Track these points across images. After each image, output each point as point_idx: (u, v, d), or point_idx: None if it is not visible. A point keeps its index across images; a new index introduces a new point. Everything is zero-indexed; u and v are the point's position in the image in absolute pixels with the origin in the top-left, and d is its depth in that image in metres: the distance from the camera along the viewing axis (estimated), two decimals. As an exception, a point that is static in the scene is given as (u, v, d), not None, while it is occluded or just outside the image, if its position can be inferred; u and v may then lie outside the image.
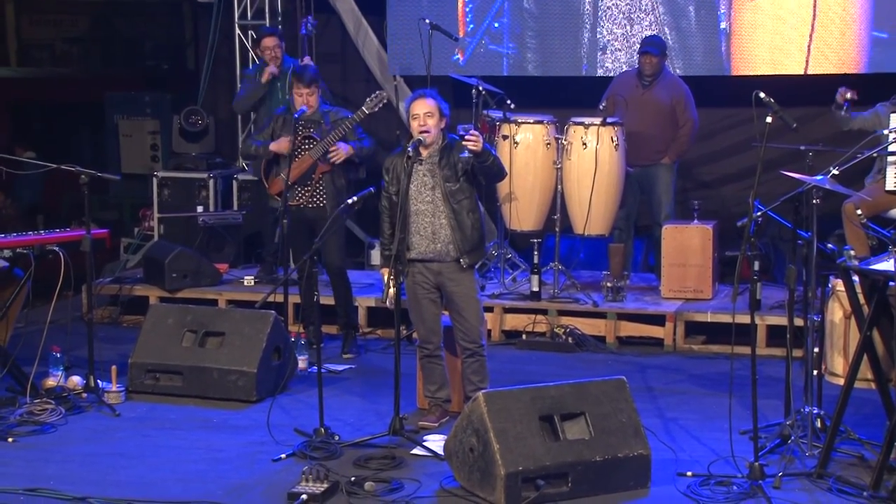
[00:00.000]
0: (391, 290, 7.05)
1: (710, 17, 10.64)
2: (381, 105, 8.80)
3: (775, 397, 7.27)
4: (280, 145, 8.85)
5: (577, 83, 11.07)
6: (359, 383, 8.40)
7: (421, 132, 7.12)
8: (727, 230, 9.80)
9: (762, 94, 6.57)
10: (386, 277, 7.18)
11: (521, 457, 6.08)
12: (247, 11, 12.06)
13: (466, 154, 7.04)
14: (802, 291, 7.08)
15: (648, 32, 10.67)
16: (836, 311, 8.13)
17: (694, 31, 10.70)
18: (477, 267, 7.42)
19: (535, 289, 9.54)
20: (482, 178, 7.23)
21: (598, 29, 10.91)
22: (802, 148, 7.68)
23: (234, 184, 11.43)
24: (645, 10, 10.79)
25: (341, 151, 8.76)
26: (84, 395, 7.84)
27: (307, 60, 10.19)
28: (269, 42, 10.22)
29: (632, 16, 10.81)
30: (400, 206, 7.05)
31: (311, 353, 8.49)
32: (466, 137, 6.97)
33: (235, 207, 11.33)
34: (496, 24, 11.18)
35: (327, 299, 9.33)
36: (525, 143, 9.75)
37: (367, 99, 8.79)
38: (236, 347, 7.96)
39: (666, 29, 10.71)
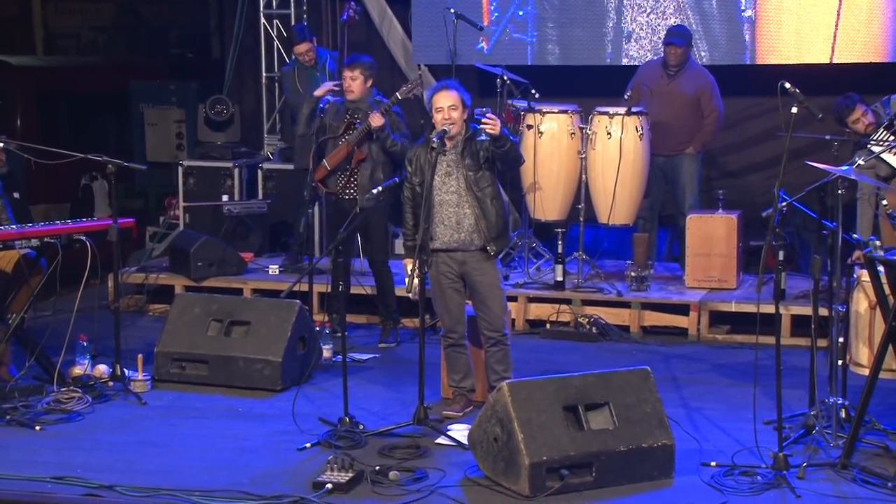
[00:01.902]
0: (415, 281, 7.07)
1: (733, 4, 10.59)
2: (415, 92, 8.81)
3: (800, 387, 7.25)
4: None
5: (602, 72, 11.05)
6: (383, 373, 8.42)
7: (445, 124, 7.14)
8: (752, 220, 9.78)
9: (788, 85, 6.55)
10: (409, 267, 7.21)
11: (545, 446, 6.10)
12: (272, 0, 12.09)
13: (484, 137, 7.06)
14: (827, 281, 7.07)
15: (672, 20, 10.64)
16: (862, 302, 8.08)
17: (717, 18, 10.65)
18: (501, 256, 7.42)
19: (560, 278, 9.54)
20: (499, 164, 7.23)
21: (623, 17, 10.89)
22: (828, 138, 7.65)
23: (260, 173, 11.46)
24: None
25: (379, 117, 8.70)
26: (110, 383, 7.89)
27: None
28: (301, 48, 10.20)
29: (656, 3, 10.78)
30: (424, 196, 7.07)
31: (336, 342, 8.52)
32: (483, 120, 6.99)
33: (260, 196, 11.36)
34: (520, 13, 11.17)
35: (358, 289, 9.37)
36: (550, 132, 9.75)
37: (403, 88, 8.81)
38: (261, 336, 7.99)
39: (689, 12, 10.67)
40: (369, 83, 8.91)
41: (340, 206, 8.96)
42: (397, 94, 8.76)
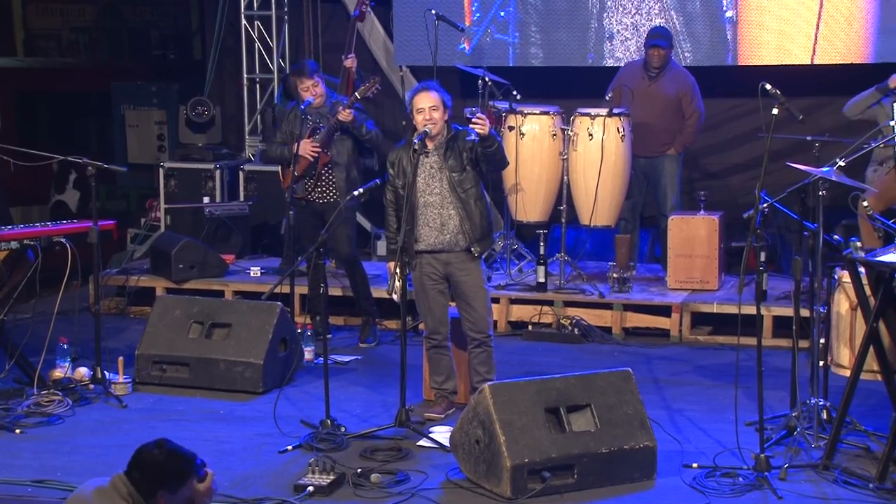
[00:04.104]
0: (397, 283, 7.06)
1: (715, 5, 10.61)
2: (374, 91, 8.78)
3: (781, 388, 7.26)
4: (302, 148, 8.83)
5: (584, 73, 11.06)
6: (365, 375, 8.41)
7: (427, 125, 7.13)
8: (733, 221, 9.78)
9: (768, 86, 6.55)
10: (392, 270, 7.19)
11: (526, 448, 6.09)
12: (253, 1, 12.09)
13: (472, 137, 7.05)
14: (809, 282, 7.08)
15: (656, 20, 10.65)
16: (843, 303, 8.12)
17: (700, 19, 10.67)
18: (484, 257, 7.43)
19: (542, 280, 9.54)
20: (484, 165, 7.23)
21: (605, 17, 10.89)
22: (809, 139, 7.67)
23: (241, 174, 11.44)
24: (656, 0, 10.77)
25: (348, 112, 8.69)
26: (91, 386, 7.86)
27: (352, 62, 10.00)
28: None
29: (639, 3, 10.79)
30: (406, 198, 7.06)
31: (318, 344, 8.50)
32: (473, 120, 6.99)
33: (242, 198, 11.33)
34: (502, 13, 11.16)
35: (337, 290, 9.34)
36: (531, 133, 9.74)
37: (361, 87, 8.79)
38: (243, 339, 7.97)
39: (672, 13, 10.69)
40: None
41: (312, 210, 8.93)
42: (356, 93, 8.74)
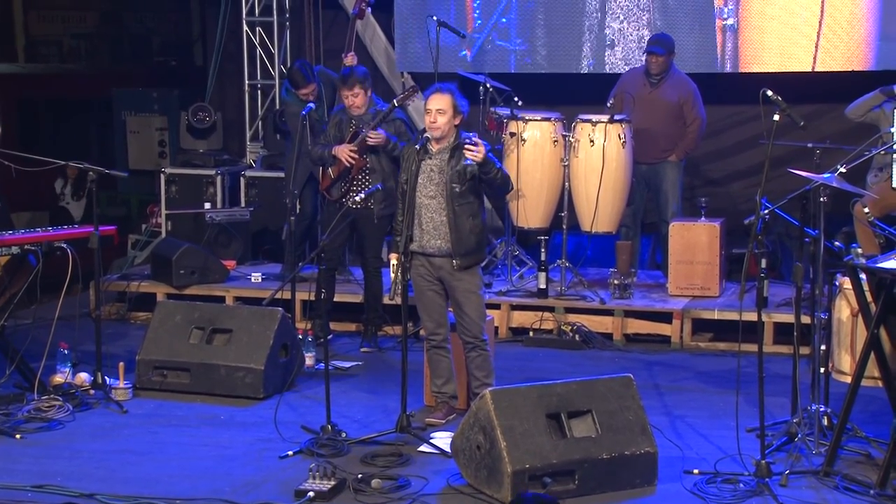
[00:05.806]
0: (392, 276, 7.09)
1: (707, 13, 10.62)
2: (412, 99, 8.78)
3: (782, 395, 7.26)
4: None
5: (585, 80, 11.06)
6: (366, 380, 8.40)
7: (429, 128, 7.12)
8: (734, 227, 9.78)
9: (770, 92, 6.56)
10: (393, 263, 7.20)
11: (527, 454, 6.09)
12: (254, 7, 12.11)
13: (469, 162, 7.02)
14: (810, 289, 7.08)
15: (655, 27, 10.66)
16: (844, 309, 8.09)
17: (697, 27, 10.68)
18: (483, 264, 7.41)
19: (543, 286, 9.54)
20: (486, 190, 7.22)
21: (605, 25, 10.90)
22: (810, 145, 7.67)
23: (242, 180, 11.44)
24: (644, 7, 10.77)
25: (381, 135, 8.67)
26: (91, 391, 7.85)
27: (352, 59, 10.00)
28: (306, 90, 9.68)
29: (637, 11, 10.79)
30: (407, 198, 7.06)
31: (319, 349, 8.49)
32: (466, 146, 6.94)
33: (243, 204, 11.34)
34: (503, 20, 11.17)
35: (343, 297, 9.33)
36: (532, 140, 9.75)
37: (400, 95, 8.80)
38: (244, 344, 7.96)
39: (666, 20, 10.70)
40: (369, 93, 8.86)
41: (345, 213, 8.92)
42: (394, 101, 8.72)
